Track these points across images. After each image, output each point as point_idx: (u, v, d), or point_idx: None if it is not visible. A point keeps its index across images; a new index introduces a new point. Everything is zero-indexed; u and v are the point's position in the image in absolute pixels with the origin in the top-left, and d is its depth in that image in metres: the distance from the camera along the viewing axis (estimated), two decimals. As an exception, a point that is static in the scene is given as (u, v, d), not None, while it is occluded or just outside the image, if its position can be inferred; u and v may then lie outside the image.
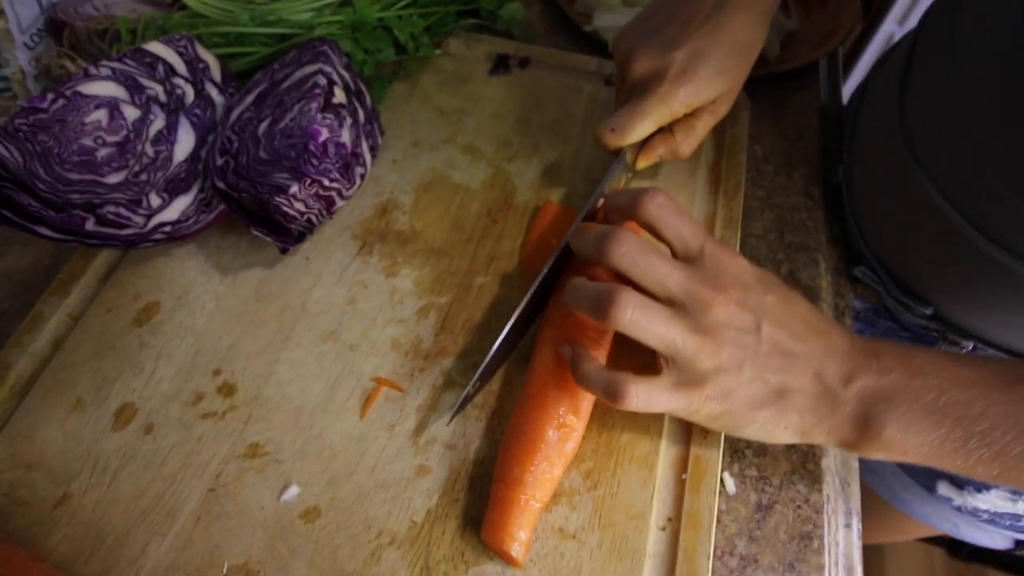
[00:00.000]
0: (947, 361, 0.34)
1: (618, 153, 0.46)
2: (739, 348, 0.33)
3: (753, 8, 0.44)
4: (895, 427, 0.33)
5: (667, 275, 0.34)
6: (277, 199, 0.40)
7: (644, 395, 0.33)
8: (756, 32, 0.44)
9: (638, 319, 0.33)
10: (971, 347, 0.47)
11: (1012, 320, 0.43)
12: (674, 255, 0.36)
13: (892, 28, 1.60)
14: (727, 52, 0.43)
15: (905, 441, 0.33)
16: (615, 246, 0.34)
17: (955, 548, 1.07)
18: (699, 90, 0.42)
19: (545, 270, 0.40)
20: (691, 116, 0.45)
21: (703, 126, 0.46)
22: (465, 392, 0.38)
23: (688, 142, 0.46)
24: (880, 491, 0.67)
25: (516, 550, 0.34)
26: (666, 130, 0.46)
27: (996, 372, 0.33)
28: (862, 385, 0.33)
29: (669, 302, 0.34)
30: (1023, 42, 0.34)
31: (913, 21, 1.55)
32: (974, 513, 0.59)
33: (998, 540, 0.61)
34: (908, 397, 0.33)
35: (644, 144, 0.46)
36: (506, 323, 0.39)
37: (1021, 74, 0.35)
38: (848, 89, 1.93)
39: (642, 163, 0.47)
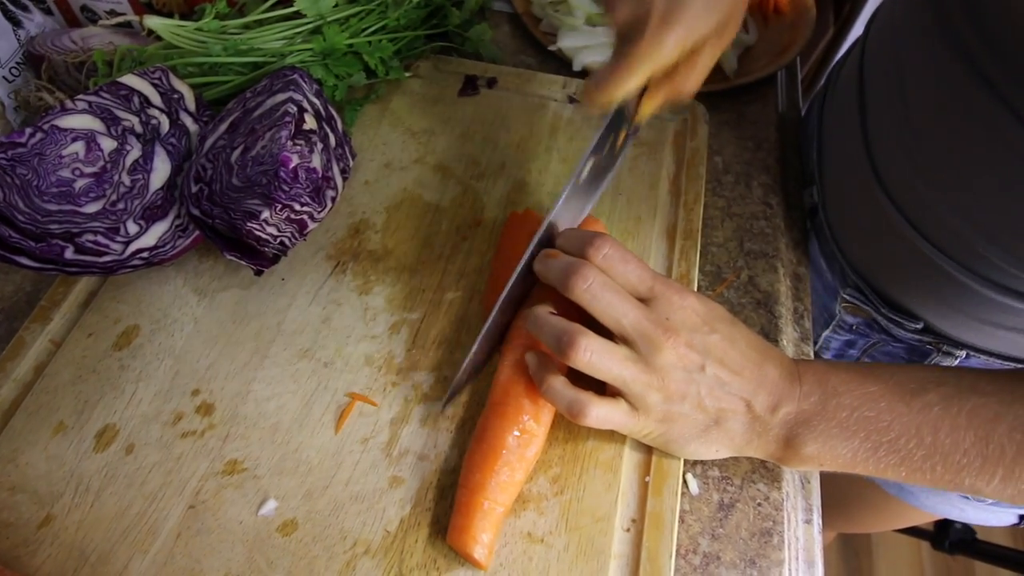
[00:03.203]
0: (859, 380, 0.38)
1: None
2: (683, 383, 0.37)
3: None
4: (813, 445, 0.37)
5: (623, 315, 0.37)
6: (249, 224, 0.42)
7: (602, 416, 0.37)
8: None
9: (594, 361, 0.36)
10: (964, 355, 0.48)
11: (999, 332, 0.45)
12: None
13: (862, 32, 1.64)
14: None
15: (822, 455, 0.37)
16: (579, 282, 0.37)
17: (938, 540, 1.08)
18: (689, 30, 0.37)
19: (525, 260, 0.41)
20: (691, 51, 0.40)
21: (707, 58, 0.40)
22: (457, 378, 0.41)
23: (693, 78, 0.41)
24: (886, 486, 0.69)
25: (479, 553, 0.35)
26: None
27: (901, 385, 0.37)
28: (785, 412, 0.38)
29: (623, 338, 0.37)
30: (954, 76, 0.36)
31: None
32: (979, 498, 0.60)
33: (1004, 518, 0.63)
34: (824, 418, 0.37)
35: (643, 92, 0.42)
36: (480, 331, 0.42)
37: (961, 109, 0.36)
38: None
39: (646, 111, 0.42)
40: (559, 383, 0.38)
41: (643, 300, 0.38)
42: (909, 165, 0.42)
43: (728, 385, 0.37)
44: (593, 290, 0.37)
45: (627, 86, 0.39)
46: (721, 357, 0.37)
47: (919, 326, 0.49)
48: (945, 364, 0.50)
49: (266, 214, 0.42)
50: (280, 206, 0.42)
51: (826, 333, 0.59)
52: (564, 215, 0.43)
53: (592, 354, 0.36)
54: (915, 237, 0.43)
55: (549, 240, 0.43)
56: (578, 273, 0.37)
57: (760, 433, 0.38)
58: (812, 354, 0.50)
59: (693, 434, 0.38)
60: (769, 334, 0.50)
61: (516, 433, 0.38)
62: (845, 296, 0.54)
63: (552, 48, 0.65)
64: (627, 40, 0.38)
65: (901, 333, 0.51)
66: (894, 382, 0.37)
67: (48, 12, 0.61)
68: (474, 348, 0.41)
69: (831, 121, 0.55)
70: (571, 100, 0.60)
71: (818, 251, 0.58)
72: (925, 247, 0.43)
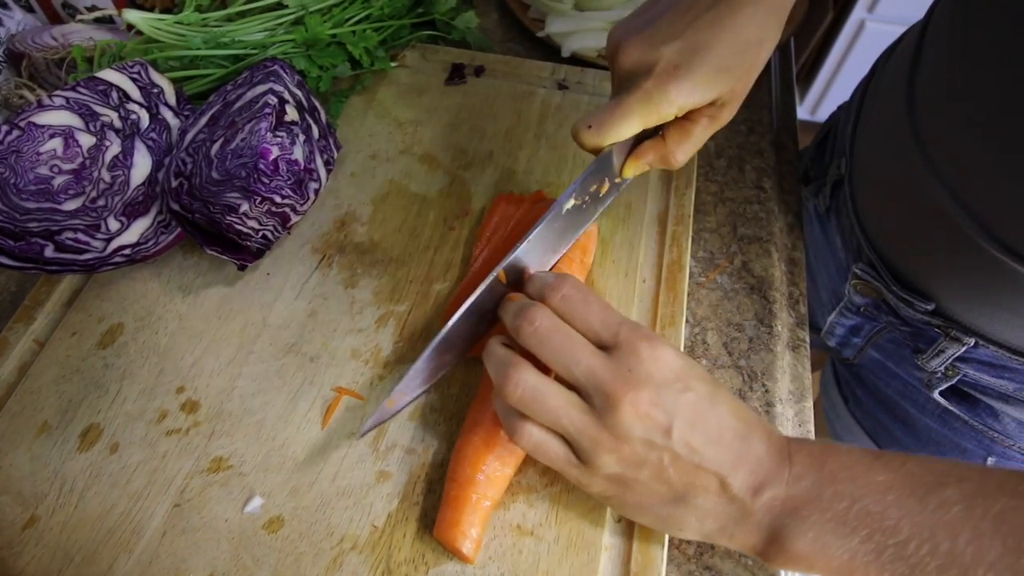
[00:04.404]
0: (863, 465, 0.32)
1: (598, 152, 0.40)
2: (642, 448, 0.31)
3: (761, 1, 0.37)
4: (803, 540, 0.31)
5: (575, 361, 0.32)
6: (229, 218, 0.41)
7: (539, 444, 0.33)
8: (766, 28, 0.38)
9: (526, 399, 0.32)
10: (972, 343, 0.45)
11: (1015, 320, 0.42)
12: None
13: (862, 15, 1.62)
14: (729, 48, 0.36)
15: (814, 555, 0.31)
16: (525, 325, 0.33)
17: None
18: (693, 89, 0.36)
19: (476, 294, 0.38)
20: (686, 120, 0.39)
21: (701, 132, 0.39)
22: (381, 406, 0.37)
23: (683, 149, 0.39)
24: None
25: (467, 547, 0.35)
26: (658, 134, 0.40)
27: (914, 476, 0.31)
28: (771, 496, 0.32)
29: (576, 390, 0.33)
30: None
31: (882, 8, 1.57)
32: None
33: None
34: (818, 508, 0.31)
35: (632, 150, 0.41)
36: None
37: None
38: (824, 78, 1.91)
39: (629, 171, 0.41)
40: (495, 345, 0.35)
41: (607, 349, 0.33)
42: (958, 123, 0.38)
43: (699, 455, 0.31)
44: (540, 333, 0.33)
45: (619, 133, 0.37)
46: (693, 420, 0.32)
47: (930, 307, 0.46)
48: (952, 351, 0.47)
49: (245, 207, 0.41)
50: (260, 198, 0.42)
51: (831, 317, 0.58)
52: (536, 248, 0.39)
53: (524, 390, 0.32)
54: (951, 205, 0.39)
55: (518, 277, 0.39)
56: (525, 315, 0.33)
57: (738, 520, 0.32)
58: (808, 340, 0.49)
59: (651, 505, 0.33)
60: (764, 320, 0.49)
61: (505, 426, 0.37)
62: (856, 271, 0.51)
63: (541, 35, 0.64)
64: (628, 86, 0.37)
65: (909, 314, 0.49)
66: (905, 472, 0.31)
67: (29, 9, 0.60)
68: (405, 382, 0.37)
69: (876, 90, 0.52)
70: (560, 87, 0.59)
71: (834, 227, 0.57)
72: (959, 216, 0.39)
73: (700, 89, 0.36)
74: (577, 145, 0.39)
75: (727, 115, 0.39)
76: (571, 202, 0.40)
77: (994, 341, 0.44)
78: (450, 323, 0.37)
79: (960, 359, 0.48)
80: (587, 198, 0.41)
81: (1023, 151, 0.35)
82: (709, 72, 0.36)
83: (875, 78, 0.55)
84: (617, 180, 0.42)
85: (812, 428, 0.45)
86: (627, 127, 0.37)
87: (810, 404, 0.46)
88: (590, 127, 0.38)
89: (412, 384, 0.37)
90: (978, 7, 0.38)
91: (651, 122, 0.37)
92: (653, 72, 0.36)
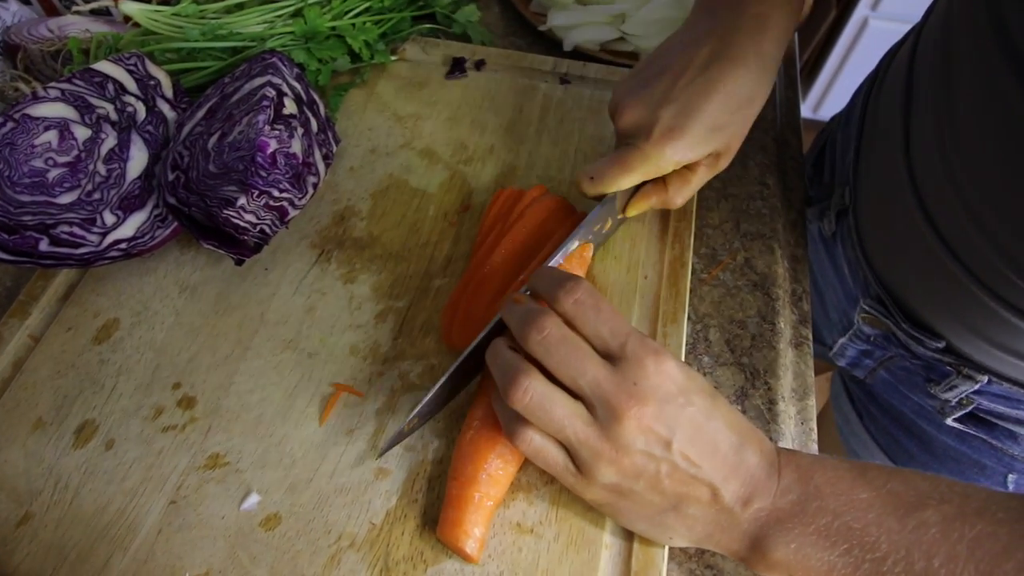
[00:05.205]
0: (847, 481, 0.33)
1: (600, 199, 0.43)
2: (643, 459, 0.32)
3: (751, 62, 0.40)
4: (784, 550, 0.32)
5: (581, 373, 0.32)
6: (226, 212, 0.40)
7: (539, 449, 0.33)
8: (756, 86, 0.41)
9: (533, 406, 0.32)
10: (987, 380, 0.45)
11: (1022, 364, 0.42)
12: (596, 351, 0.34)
13: (865, 13, 1.61)
14: (721, 108, 0.39)
15: (794, 564, 0.32)
16: (533, 332, 0.33)
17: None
18: (688, 148, 0.40)
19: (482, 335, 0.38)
20: (686, 169, 0.43)
21: (699, 180, 0.43)
22: (399, 428, 0.37)
23: (682, 194, 0.44)
24: None
25: (471, 547, 0.34)
26: (659, 179, 0.44)
27: (896, 495, 0.32)
28: (759, 508, 0.33)
29: (581, 401, 0.33)
30: (1013, 94, 0.32)
31: (886, 6, 1.56)
32: None
33: None
34: (802, 521, 0.32)
35: (635, 190, 0.44)
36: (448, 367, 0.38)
37: (1016, 132, 0.33)
38: (827, 76, 1.89)
39: (632, 211, 0.45)
40: (502, 346, 0.35)
41: (613, 358, 0.33)
42: (947, 178, 0.38)
43: (696, 467, 0.32)
44: (548, 342, 0.33)
45: (620, 184, 0.41)
46: (693, 435, 0.32)
47: (940, 345, 0.45)
48: (965, 388, 0.46)
49: (243, 201, 0.41)
50: (257, 192, 0.41)
51: (842, 340, 0.57)
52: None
53: (532, 397, 0.32)
54: (944, 254, 0.40)
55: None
56: (534, 323, 0.33)
57: (726, 528, 0.33)
58: (811, 337, 0.48)
59: (644, 515, 0.34)
60: (766, 316, 0.48)
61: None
62: (865, 307, 0.51)
63: (542, 28, 0.64)
64: (629, 143, 0.41)
65: (920, 351, 0.48)
66: (888, 491, 0.32)
67: (25, 1, 0.60)
68: (423, 403, 0.37)
69: (874, 122, 0.51)
70: (562, 81, 0.59)
71: (842, 256, 0.56)
72: (954, 265, 0.40)
73: (695, 148, 0.40)
74: (581, 192, 0.43)
75: (724, 163, 0.43)
76: (576, 244, 0.43)
77: (1007, 378, 0.44)
78: (451, 369, 0.37)
79: (974, 391, 0.47)
80: (591, 237, 0.44)
81: (1004, 212, 0.35)
82: (703, 132, 0.40)
83: (874, 92, 0.53)
84: (620, 216, 0.46)
85: (815, 426, 0.44)
86: (627, 180, 0.41)
87: (812, 402, 0.45)
88: (592, 179, 0.42)
89: (425, 411, 0.38)
90: (957, 58, 0.37)
91: (651, 176, 0.42)
92: (652, 134, 0.40)
